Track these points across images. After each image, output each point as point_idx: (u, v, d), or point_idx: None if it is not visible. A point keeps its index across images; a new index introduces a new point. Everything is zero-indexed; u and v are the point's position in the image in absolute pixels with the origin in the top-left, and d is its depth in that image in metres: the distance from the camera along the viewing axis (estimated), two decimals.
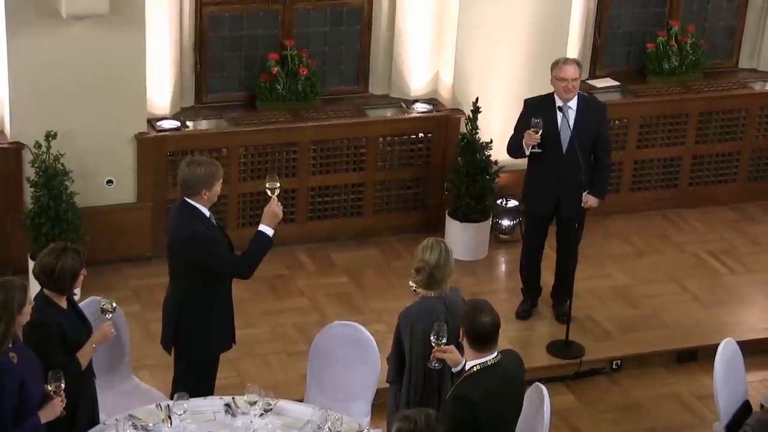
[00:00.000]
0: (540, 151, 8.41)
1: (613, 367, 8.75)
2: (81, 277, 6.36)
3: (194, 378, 7.05)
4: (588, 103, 8.63)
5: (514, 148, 8.59)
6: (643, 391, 8.57)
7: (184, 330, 7.05)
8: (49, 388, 6.03)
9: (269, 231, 6.91)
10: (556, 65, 8.51)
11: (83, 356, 6.38)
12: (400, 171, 9.92)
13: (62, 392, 6.05)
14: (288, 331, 8.80)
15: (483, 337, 5.92)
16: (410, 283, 6.62)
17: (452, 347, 6.22)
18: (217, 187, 6.88)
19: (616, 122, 10.21)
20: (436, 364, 6.35)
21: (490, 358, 5.95)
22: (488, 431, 5.84)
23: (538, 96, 8.66)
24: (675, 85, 10.53)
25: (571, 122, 8.47)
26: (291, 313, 9.03)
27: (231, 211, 9.52)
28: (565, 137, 8.49)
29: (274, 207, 6.89)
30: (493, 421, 5.87)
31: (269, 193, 6.93)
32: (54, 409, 6.04)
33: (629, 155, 10.47)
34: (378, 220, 9.99)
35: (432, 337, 6.27)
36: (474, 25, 9.67)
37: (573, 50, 10.08)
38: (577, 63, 8.52)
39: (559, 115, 8.46)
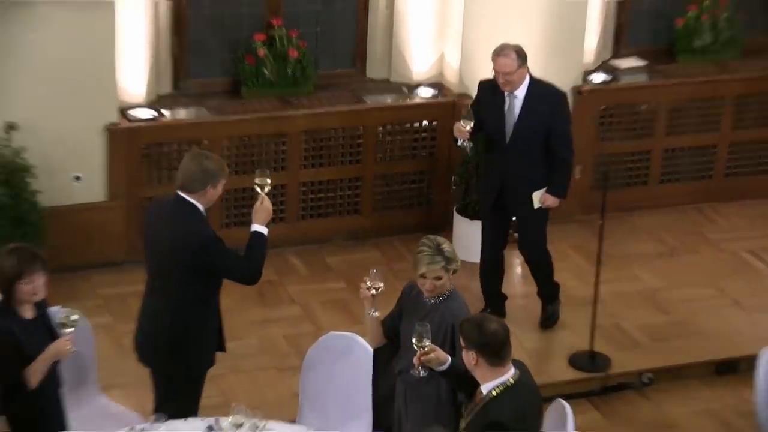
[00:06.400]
0: (471, 145, 8.37)
1: (644, 381, 8.57)
2: (24, 287, 6.12)
3: (182, 396, 6.89)
4: (540, 91, 8.43)
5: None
6: (678, 408, 8.40)
7: (176, 342, 6.83)
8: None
9: (264, 230, 6.80)
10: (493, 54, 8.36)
11: (32, 373, 6.16)
12: (401, 164, 9.80)
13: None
14: (278, 344, 8.68)
15: (499, 347, 5.79)
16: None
17: (434, 346, 6.08)
18: (221, 188, 6.78)
19: (643, 107, 10.11)
20: (423, 372, 6.11)
21: (509, 376, 5.86)
22: None
23: (492, 78, 8.41)
24: (708, 65, 10.47)
25: (517, 111, 8.36)
26: (281, 323, 8.90)
27: (214, 209, 9.07)
28: (510, 126, 8.38)
29: (266, 204, 6.79)
30: None
31: (258, 189, 6.78)
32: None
33: (657, 143, 10.35)
34: (377, 218, 9.86)
35: (413, 340, 6.04)
36: (482, 2, 9.55)
37: (593, 27, 9.95)
38: (515, 52, 8.26)
39: (507, 101, 8.36)
